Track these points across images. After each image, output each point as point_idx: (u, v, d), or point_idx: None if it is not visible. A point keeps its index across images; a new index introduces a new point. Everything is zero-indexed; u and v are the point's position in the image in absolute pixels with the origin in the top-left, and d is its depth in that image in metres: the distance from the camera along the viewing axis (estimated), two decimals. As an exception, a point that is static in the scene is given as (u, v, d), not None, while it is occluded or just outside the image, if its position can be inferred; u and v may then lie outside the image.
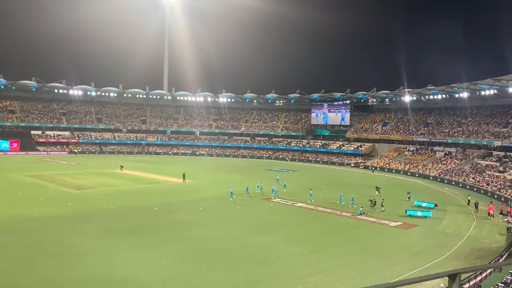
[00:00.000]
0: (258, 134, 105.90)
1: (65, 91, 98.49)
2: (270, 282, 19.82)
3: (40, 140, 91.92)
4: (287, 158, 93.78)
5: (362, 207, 35.97)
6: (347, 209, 37.33)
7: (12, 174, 54.48)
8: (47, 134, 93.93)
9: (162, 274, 20.14)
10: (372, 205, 38.00)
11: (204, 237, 27.23)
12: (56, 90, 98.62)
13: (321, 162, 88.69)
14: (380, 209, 37.12)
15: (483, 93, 70.62)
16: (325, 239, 28.04)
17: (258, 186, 46.26)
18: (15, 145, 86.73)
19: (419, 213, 35.57)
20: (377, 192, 44.92)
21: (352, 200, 39.31)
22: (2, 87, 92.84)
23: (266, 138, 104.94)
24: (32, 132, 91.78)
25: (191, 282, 19.45)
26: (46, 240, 24.98)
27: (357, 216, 34.48)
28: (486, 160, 62.88)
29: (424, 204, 39.34)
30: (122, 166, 63.80)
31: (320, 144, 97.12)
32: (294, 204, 39.63)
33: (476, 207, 38.63)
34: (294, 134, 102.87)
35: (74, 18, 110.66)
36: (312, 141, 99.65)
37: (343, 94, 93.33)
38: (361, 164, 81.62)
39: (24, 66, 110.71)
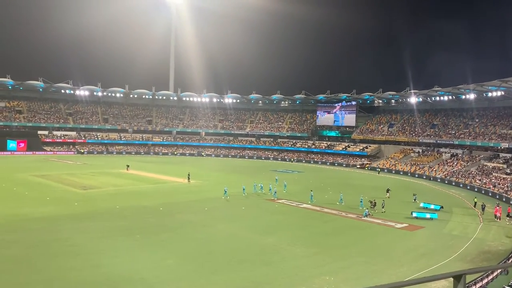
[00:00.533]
0: (263, 135, 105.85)
1: (72, 92, 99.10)
2: (275, 283, 19.79)
3: (47, 140, 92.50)
4: (292, 159, 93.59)
5: (367, 208, 35.92)
6: (353, 211, 37.22)
7: (19, 174, 54.89)
8: (53, 134, 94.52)
9: (166, 274, 20.19)
10: (371, 206, 37.91)
11: (209, 237, 27.28)
12: (63, 91, 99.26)
13: (327, 163, 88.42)
14: (380, 210, 37.03)
15: (490, 94, 70.12)
16: (331, 241, 27.97)
17: (255, 186, 46.30)
18: (22, 145, 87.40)
19: (428, 215, 35.34)
20: (387, 194, 44.87)
21: (361, 201, 39.24)
22: (10, 87, 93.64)
23: (271, 139, 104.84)
24: (39, 132, 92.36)
25: (196, 283, 19.49)
26: (51, 239, 25.13)
27: (363, 218, 34.39)
28: (493, 162, 62.40)
29: (432, 206, 39.14)
30: (128, 166, 64.09)
31: (326, 145, 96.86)
32: (299, 205, 39.56)
33: (483, 209, 38.36)
34: (299, 135, 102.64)
35: (81, 19, 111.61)
36: (317, 142, 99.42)
37: (349, 95, 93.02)
38: (367, 166, 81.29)
39: (31, 67, 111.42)
